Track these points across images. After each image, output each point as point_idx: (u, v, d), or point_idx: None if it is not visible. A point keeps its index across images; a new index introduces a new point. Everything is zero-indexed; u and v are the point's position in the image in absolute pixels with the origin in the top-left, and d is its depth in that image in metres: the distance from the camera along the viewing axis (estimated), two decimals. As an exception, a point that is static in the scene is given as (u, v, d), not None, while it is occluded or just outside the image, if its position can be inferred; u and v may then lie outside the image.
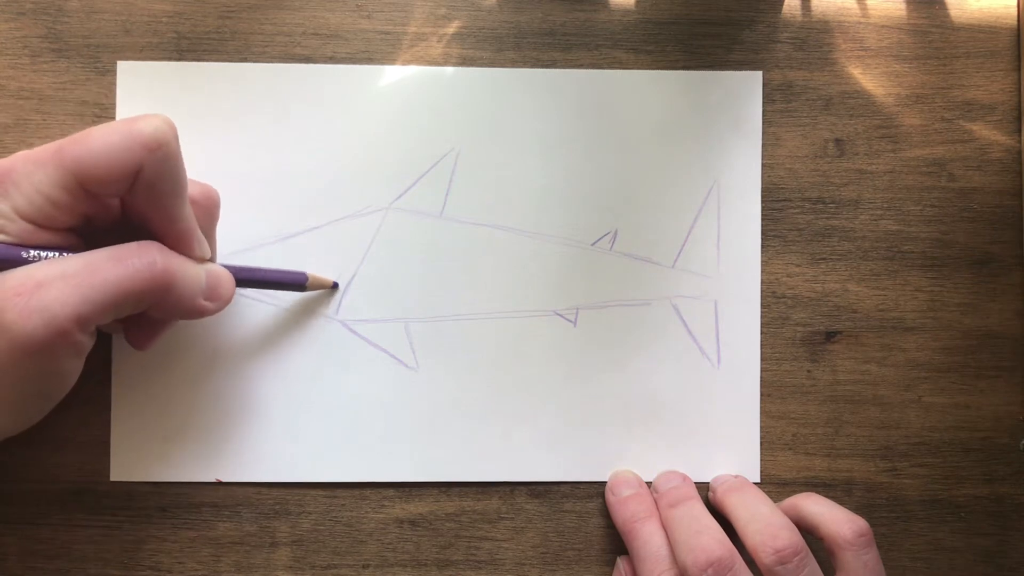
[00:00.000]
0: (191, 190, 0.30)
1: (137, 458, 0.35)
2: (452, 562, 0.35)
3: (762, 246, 0.36)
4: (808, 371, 0.36)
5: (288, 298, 0.35)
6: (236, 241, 0.35)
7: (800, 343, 0.36)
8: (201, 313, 0.30)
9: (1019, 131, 0.37)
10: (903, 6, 0.37)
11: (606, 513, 0.36)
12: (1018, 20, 0.37)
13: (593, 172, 0.36)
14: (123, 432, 0.35)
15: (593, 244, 0.36)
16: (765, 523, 0.31)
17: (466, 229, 0.36)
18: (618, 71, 0.36)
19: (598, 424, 0.36)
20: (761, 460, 0.36)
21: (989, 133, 0.37)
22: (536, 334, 0.36)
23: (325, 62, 0.35)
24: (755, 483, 0.36)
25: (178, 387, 0.35)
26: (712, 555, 0.30)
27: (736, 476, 0.35)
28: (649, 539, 0.33)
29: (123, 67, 0.35)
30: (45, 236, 0.27)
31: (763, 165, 0.36)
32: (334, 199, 0.35)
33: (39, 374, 0.27)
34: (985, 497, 0.36)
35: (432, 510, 0.35)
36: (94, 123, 0.35)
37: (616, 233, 0.36)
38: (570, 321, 0.36)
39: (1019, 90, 0.37)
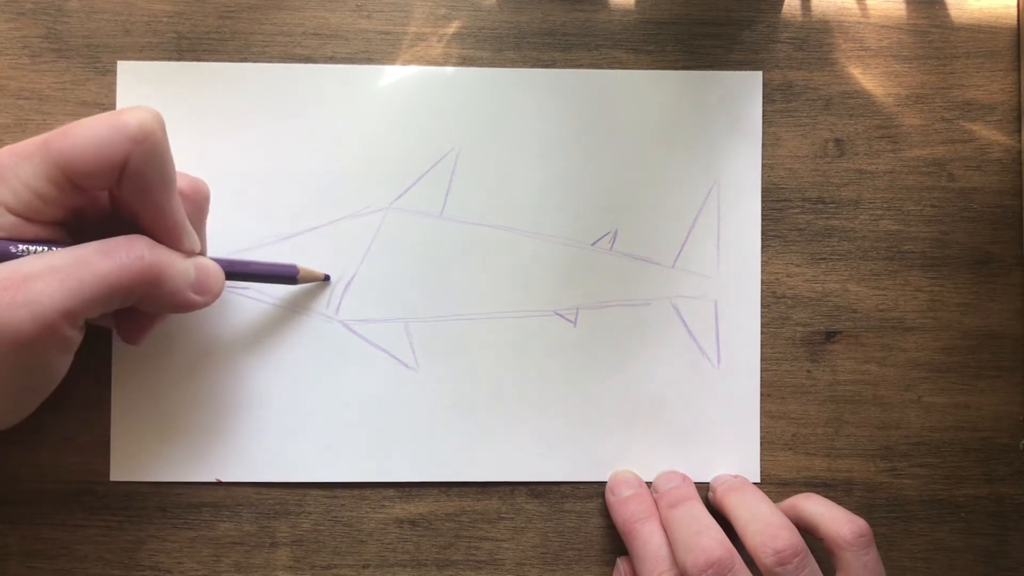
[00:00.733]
0: (180, 183, 0.30)
1: (137, 458, 0.35)
2: (452, 562, 0.35)
3: (762, 246, 0.36)
4: (808, 371, 0.36)
5: (288, 298, 0.35)
6: (236, 241, 0.35)
7: (800, 343, 0.36)
8: (191, 307, 0.29)
9: (1019, 131, 0.37)
10: (903, 6, 0.37)
11: (606, 513, 0.36)
12: (1018, 20, 0.37)
13: (593, 172, 0.36)
14: (123, 432, 0.35)
15: (593, 244, 0.36)
16: (765, 523, 0.31)
17: (466, 229, 0.36)
18: (618, 71, 0.36)
19: (598, 424, 0.36)
20: (761, 460, 0.36)
21: (989, 133, 0.37)
22: (536, 334, 0.36)
23: (325, 62, 0.35)
24: (755, 483, 0.36)
25: (178, 387, 0.35)
26: (712, 555, 0.30)
27: (736, 476, 0.35)
28: (649, 539, 0.33)
29: (123, 67, 0.35)
30: (33, 230, 0.27)
31: (763, 165, 0.36)
32: (334, 199, 0.35)
33: (26, 368, 0.27)
34: (985, 497, 0.36)
35: (432, 510, 0.35)
36: (94, 123, 0.35)
37: (616, 233, 0.36)
38: (570, 321, 0.36)
39: (1019, 90, 0.37)
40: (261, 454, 0.35)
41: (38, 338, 0.26)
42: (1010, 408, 0.37)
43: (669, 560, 0.32)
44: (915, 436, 0.36)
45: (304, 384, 0.35)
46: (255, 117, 0.35)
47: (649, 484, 0.35)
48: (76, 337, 0.28)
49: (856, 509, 0.34)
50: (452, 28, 0.36)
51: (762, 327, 0.36)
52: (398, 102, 0.36)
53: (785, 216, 0.36)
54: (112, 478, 0.35)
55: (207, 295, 0.30)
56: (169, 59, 0.35)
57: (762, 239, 0.36)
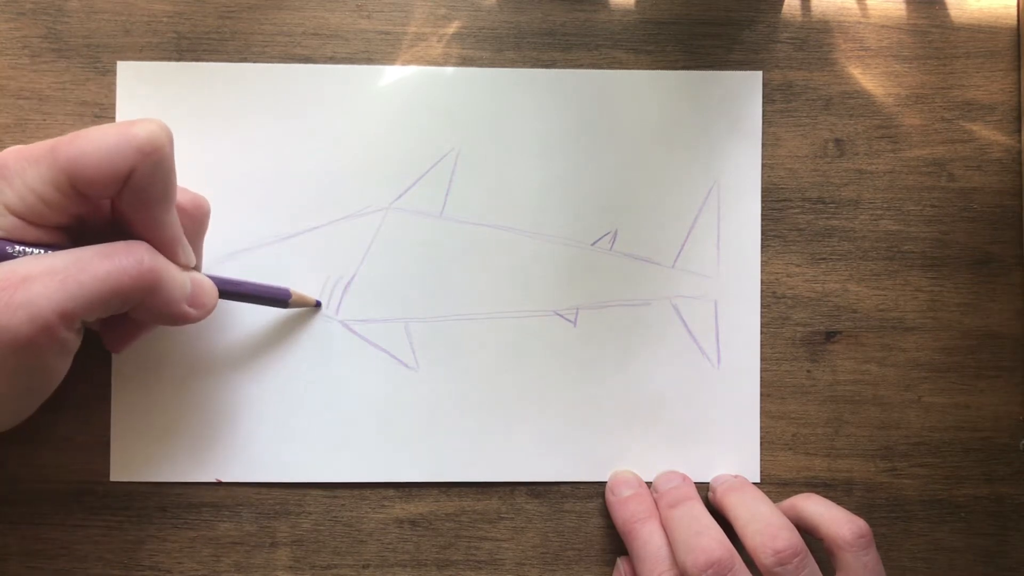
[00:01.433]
0: (182, 198, 0.30)
1: (137, 458, 0.35)
2: (452, 562, 0.35)
3: (762, 246, 0.36)
4: (808, 371, 0.36)
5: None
6: (236, 241, 0.35)
7: (800, 343, 0.36)
8: (184, 319, 0.29)
9: (1019, 131, 0.37)
10: (903, 6, 0.37)
11: (606, 513, 0.36)
12: (1018, 20, 0.37)
13: (593, 172, 0.36)
14: (123, 432, 0.35)
15: (593, 244, 0.36)
16: (765, 523, 0.31)
17: (466, 229, 0.36)
18: (618, 71, 0.36)
19: (598, 424, 0.36)
20: (761, 460, 0.36)
21: (989, 133, 0.37)
22: (536, 334, 0.36)
23: (325, 62, 0.35)
24: (755, 483, 0.36)
25: (178, 387, 0.35)
26: (712, 555, 0.30)
27: (736, 476, 0.35)
28: (649, 539, 0.33)
29: (123, 67, 0.35)
30: (34, 233, 0.27)
31: (763, 165, 0.36)
32: (334, 199, 0.35)
33: (24, 370, 0.27)
34: (985, 497, 0.36)
35: (432, 510, 0.35)
36: (94, 123, 0.35)
37: (616, 233, 0.36)
38: (570, 321, 0.36)
39: (1019, 90, 0.37)
40: (261, 454, 0.35)
41: (35, 339, 0.26)
42: (1010, 408, 0.37)
43: (669, 560, 0.32)
44: (915, 436, 0.36)
45: (304, 384, 0.35)
46: (255, 117, 0.35)
47: (649, 484, 0.35)
48: (74, 340, 0.28)
49: (856, 509, 0.34)
50: (452, 28, 0.36)
51: (762, 327, 0.36)
52: (398, 102, 0.36)
53: (785, 216, 0.36)
54: (112, 478, 0.35)
55: (200, 309, 0.30)
56: (169, 59, 0.35)
57: (762, 239, 0.36)
